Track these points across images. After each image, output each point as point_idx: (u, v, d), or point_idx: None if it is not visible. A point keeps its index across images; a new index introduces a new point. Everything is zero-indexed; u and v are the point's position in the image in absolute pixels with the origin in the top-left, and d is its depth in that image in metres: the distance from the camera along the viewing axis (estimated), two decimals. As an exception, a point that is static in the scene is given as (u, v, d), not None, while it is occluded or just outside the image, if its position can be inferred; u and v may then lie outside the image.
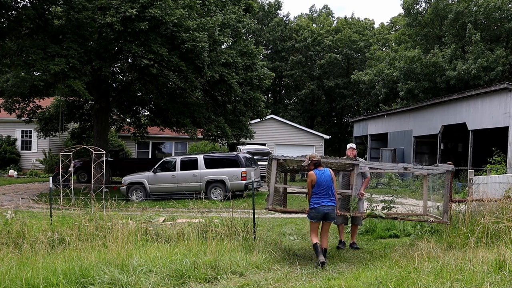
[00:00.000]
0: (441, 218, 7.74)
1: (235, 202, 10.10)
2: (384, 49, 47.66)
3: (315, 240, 7.40)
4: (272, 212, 8.59)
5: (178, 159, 18.37)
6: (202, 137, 23.54)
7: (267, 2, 52.17)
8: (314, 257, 7.89)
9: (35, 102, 22.79)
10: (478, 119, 20.53)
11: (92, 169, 16.26)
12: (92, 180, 15.38)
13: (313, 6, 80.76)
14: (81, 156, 24.97)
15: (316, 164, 7.56)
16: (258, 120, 27.31)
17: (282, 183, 9.09)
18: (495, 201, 7.78)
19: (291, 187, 11.00)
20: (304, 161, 7.74)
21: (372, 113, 35.96)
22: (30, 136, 29.28)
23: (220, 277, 6.16)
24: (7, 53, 17.78)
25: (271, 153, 30.58)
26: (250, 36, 47.81)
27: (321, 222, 7.48)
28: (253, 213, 8.65)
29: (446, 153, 24.61)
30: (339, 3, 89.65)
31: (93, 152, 15.36)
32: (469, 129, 20.95)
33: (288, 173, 10.21)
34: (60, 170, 15.96)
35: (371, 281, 5.74)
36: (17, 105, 22.09)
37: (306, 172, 8.94)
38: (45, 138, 25.45)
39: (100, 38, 18.19)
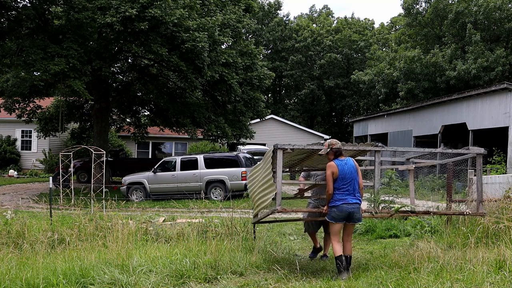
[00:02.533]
0: (476, 210, 7.03)
1: (235, 202, 10.09)
2: (384, 49, 47.65)
3: (339, 250, 6.24)
4: (274, 212, 7.31)
5: (178, 159, 18.38)
6: (202, 137, 23.54)
7: (267, 2, 52.18)
8: (314, 258, 7.87)
9: (35, 102, 22.81)
10: (478, 119, 20.53)
11: (92, 169, 16.27)
12: (92, 180, 15.38)
13: (313, 6, 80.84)
14: (81, 156, 24.97)
15: (336, 153, 6.36)
16: (258, 120, 27.32)
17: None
18: (495, 201, 7.79)
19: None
20: (321, 150, 6.49)
21: (372, 113, 35.95)
22: (30, 136, 29.28)
23: (220, 277, 6.16)
24: (7, 53, 17.80)
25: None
26: (250, 36, 47.81)
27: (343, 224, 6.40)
28: (253, 213, 8.64)
29: (446, 153, 24.57)
30: (339, 3, 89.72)
31: (93, 152, 15.36)
32: (469, 129, 20.94)
33: (288, 172, 9.30)
34: (60, 170, 15.97)
35: (371, 281, 5.74)
36: (17, 105, 22.11)
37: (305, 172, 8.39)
38: (45, 138, 25.46)
39: (100, 38, 18.21)
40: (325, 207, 6.43)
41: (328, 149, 6.37)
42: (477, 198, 7.01)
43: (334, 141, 6.45)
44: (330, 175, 6.26)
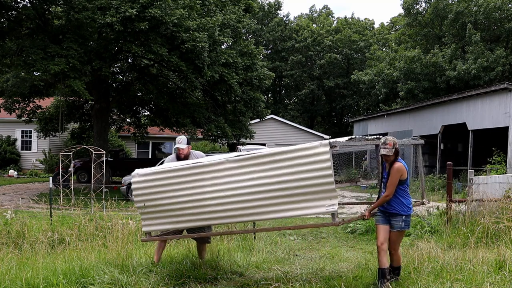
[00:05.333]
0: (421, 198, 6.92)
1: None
2: (384, 49, 47.67)
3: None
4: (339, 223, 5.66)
5: (178, 159, 18.33)
6: (202, 137, 23.54)
7: (267, 2, 52.22)
8: (314, 258, 7.85)
9: (35, 102, 22.81)
10: (478, 119, 20.53)
11: (92, 169, 16.27)
12: (92, 180, 15.38)
13: (313, 6, 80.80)
14: (81, 156, 24.98)
15: (397, 154, 5.53)
16: (258, 120, 27.32)
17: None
18: (495, 201, 7.79)
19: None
20: (385, 149, 5.45)
21: (372, 113, 35.96)
22: (30, 136, 29.28)
23: (220, 277, 6.16)
24: (7, 53, 17.79)
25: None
26: (250, 36, 47.83)
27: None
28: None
29: (446, 153, 24.63)
30: (339, 3, 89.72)
31: (93, 152, 15.36)
32: (469, 129, 20.95)
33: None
34: (60, 170, 15.96)
35: (371, 281, 5.74)
36: (17, 105, 22.12)
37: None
38: (45, 138, 25.45)
39: (100, 38, 18.20)
40: (367, 213, 5.64)
41: (393, 149, 5.45)
42: (420, 187, 6.98)
43: (395, 139, 5.58)
44: (398, 178, 5.44)
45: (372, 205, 5.77)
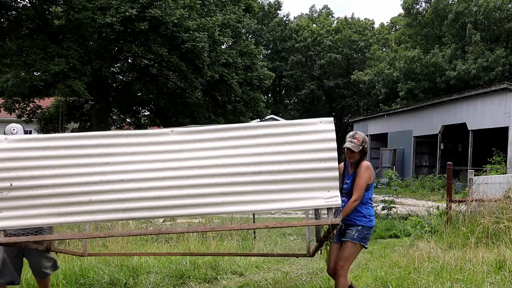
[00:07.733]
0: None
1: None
2: (384, 49, 47.67)
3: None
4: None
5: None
6: (202, 137, 23.58)
7: (267, 2, 52.22)
8: (314, 258, 7.83)
9: (35, 102, 22.83)
10: (478, 119, 20.53)
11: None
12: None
13: (313, 6, 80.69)
14: (81, 156, 24.95)
15: (364, 154, 4.60)
16: (258, 120, 27.34)
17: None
18: (495, 201, 7.78)
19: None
20: (350, 145, 4.53)
21: (372, 113, 35.97)
22: (30, 136, 29.29)
23: (220, 277, 6.15)
24: (7, 53, 17.82)
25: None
26: (250, 36, 47.82)
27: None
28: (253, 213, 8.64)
29: (446, 153, 24.63)
30: (339, 3, 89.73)
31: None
32: (469, 129, 20.94)
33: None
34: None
35: (371, 281, 5.73)
36: (17, 105, 22.14)
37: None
38: (45, 138, 25.47)
39: (100, 38, 18.22)
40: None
41: (360, 146, 4.55)
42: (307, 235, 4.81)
43: (365, 137, 4.68)
44: (367, 179, 4.51)
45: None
